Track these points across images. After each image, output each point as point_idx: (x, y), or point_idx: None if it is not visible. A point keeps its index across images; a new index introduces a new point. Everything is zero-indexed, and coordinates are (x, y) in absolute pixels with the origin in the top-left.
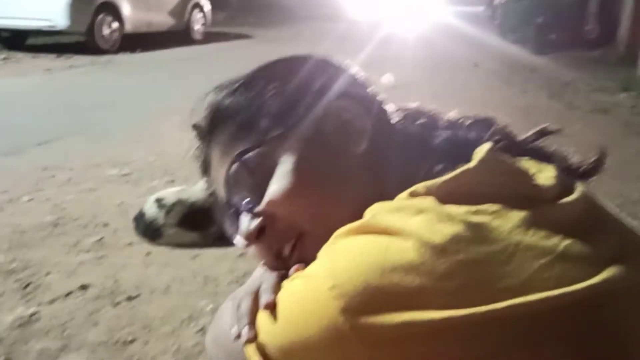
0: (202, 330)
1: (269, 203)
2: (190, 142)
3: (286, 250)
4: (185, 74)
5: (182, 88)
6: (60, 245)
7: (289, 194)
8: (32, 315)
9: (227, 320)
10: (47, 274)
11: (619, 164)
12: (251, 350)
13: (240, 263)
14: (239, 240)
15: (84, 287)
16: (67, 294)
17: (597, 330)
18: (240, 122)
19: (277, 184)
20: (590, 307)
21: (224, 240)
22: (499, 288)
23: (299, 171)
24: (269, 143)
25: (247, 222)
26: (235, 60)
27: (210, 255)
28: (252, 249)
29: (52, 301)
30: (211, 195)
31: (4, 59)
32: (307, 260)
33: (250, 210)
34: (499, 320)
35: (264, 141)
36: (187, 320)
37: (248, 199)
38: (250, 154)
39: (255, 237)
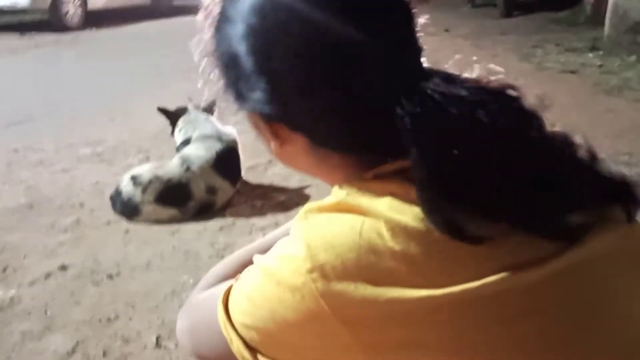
0: None
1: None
2: (161, 119)
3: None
4: (152, 49)
5: (150, 64)
6: (36, 227)
7: (286, 164)
8: (12, 297)
9: (205, 310)
10: (25, 256)
11: (588, 123)
12: (232, 334)
13: (220, 237)
14: None
15: (63, 268)
16: (47, 275)
17: (569, 303)
18: (260, 79)
19: (279, 158)
20: (559, 283)
21: (202, 215)
22: (472, 267)
23: (300, 160)
24: (285, 119)
25: None
26: None
27: (190, 230)
28: None
29: (32, 283)
30: (187, 170)
31: None
32: None
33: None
34: (475, 298)
35: (280, 115)
36: (170, 295)
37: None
38: (266, 120)
39: None
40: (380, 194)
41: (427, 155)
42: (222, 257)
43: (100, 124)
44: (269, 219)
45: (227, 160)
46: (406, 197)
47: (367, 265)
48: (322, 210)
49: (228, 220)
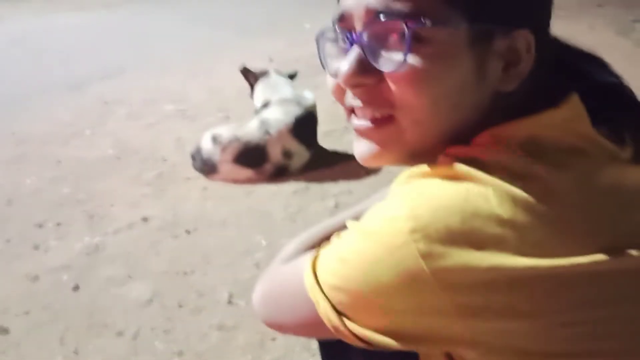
0: (258, 264)
1: (393, 78)
2: (241, 81)
3: (365, 113)
4: (238, 8)
5: (234, 23)
6: (122, 178)
7: (413, 93)
8: (97, 244)
9: (287, 276)
10: (111, 205)
11: None
12: (319, 297)
13: (293, 200)
14: (341, 66)
15: (145, 219)
16: (130, 225)
17: None
18: None
19: (411, 78)
20: None
21: (277, 177)
22: (582, 242)
23: (440, 82)
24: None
25: (354, 56)
26: None
27: (265, 191)
28: (335, 81)
29: (116, 231)
30: (265, 133)
31: None
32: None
33: (368, 54)
34: (583, 275)
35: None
36: (243, 254)
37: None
38: (430, 27)
39: (357, 74)
40: (491, 163)
41: None
42: (295, 220)
43: (183, 81)
44: (342, 185)
45: (304, 125)
46: (517, 170)
47: (472, 229)
48: (425, 175)
49: (302, 184)
